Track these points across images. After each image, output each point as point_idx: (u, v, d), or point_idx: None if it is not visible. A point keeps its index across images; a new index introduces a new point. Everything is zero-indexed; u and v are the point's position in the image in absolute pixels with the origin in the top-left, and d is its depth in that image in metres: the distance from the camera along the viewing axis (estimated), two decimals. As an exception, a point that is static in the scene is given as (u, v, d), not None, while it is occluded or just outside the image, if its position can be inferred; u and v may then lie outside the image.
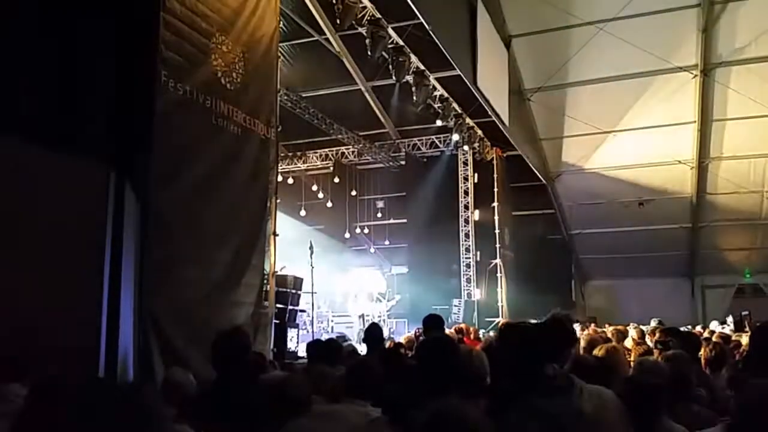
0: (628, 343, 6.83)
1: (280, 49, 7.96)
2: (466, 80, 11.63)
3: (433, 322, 5.38)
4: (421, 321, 5.81)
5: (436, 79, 13.27)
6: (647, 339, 7.11)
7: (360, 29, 10.75)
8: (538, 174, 17.72)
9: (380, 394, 2.91)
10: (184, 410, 2.99)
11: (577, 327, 8.80)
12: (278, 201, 7.96)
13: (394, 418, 2.54)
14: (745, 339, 7.46)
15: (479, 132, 16.49)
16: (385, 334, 10.66)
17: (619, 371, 3.71)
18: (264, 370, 4.18)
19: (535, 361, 2.51)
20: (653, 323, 10.22)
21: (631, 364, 4.61)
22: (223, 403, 3.01)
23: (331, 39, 14.77)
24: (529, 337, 2.69)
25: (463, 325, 9.63)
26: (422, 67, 12.44)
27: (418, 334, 9.86)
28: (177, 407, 3.06)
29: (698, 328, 12.19)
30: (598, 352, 3.96)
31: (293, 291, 9.98)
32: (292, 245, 14.10)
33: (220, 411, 3.00)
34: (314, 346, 5.67)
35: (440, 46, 10.35)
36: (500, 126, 13.94)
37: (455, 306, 16.78)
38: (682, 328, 7.13)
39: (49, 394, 2.07)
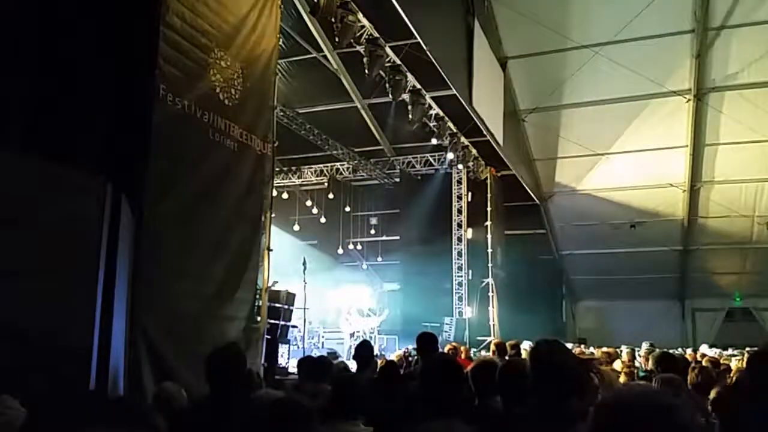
0: (617, 365, 6.86)
1: (278, 65, 8.00)
2: (461, 100, 11.73)
3: (427, 341, 5.36)
4: (411, 338, 5.80)
5: (432, 98, 13.34)
6: (641, 361, 7.12)
7: (358, 47, 10.82)
8: (531, 194, 17.80)
9: (371, 412, 2.90)
10: (175, 424, 2.98)
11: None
12: (273, 216, 7.96)
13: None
14: (734, 363, 7.51)
15: (474, 151, 16.57)
16: (375, 350, 10.65)
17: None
18: (256, 388, 4.17)
19: (565, 394, 2.49)
20: (645, 345, 10.27)
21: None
22: (219, 418, 3.01)
23: (329, 57, 14.88)
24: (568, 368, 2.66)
25: (455, 344, 9.61)
26: (418, 86, 12.52)
27: (407, 353, 9.85)
28: (168, 421, 3.05)
29: (689, 351, 12.23)
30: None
31: (285, 306, 9.96)
32: (286, 260, 14.09)
33: (214, 426, 2.99)
34: (306, 362, 5.68)
35: (437, 65, 10.45)
36: (495, 146, 14.04)
37: (446, 324, 16.75)
38: (672, 351, 7.16)
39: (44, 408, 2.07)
